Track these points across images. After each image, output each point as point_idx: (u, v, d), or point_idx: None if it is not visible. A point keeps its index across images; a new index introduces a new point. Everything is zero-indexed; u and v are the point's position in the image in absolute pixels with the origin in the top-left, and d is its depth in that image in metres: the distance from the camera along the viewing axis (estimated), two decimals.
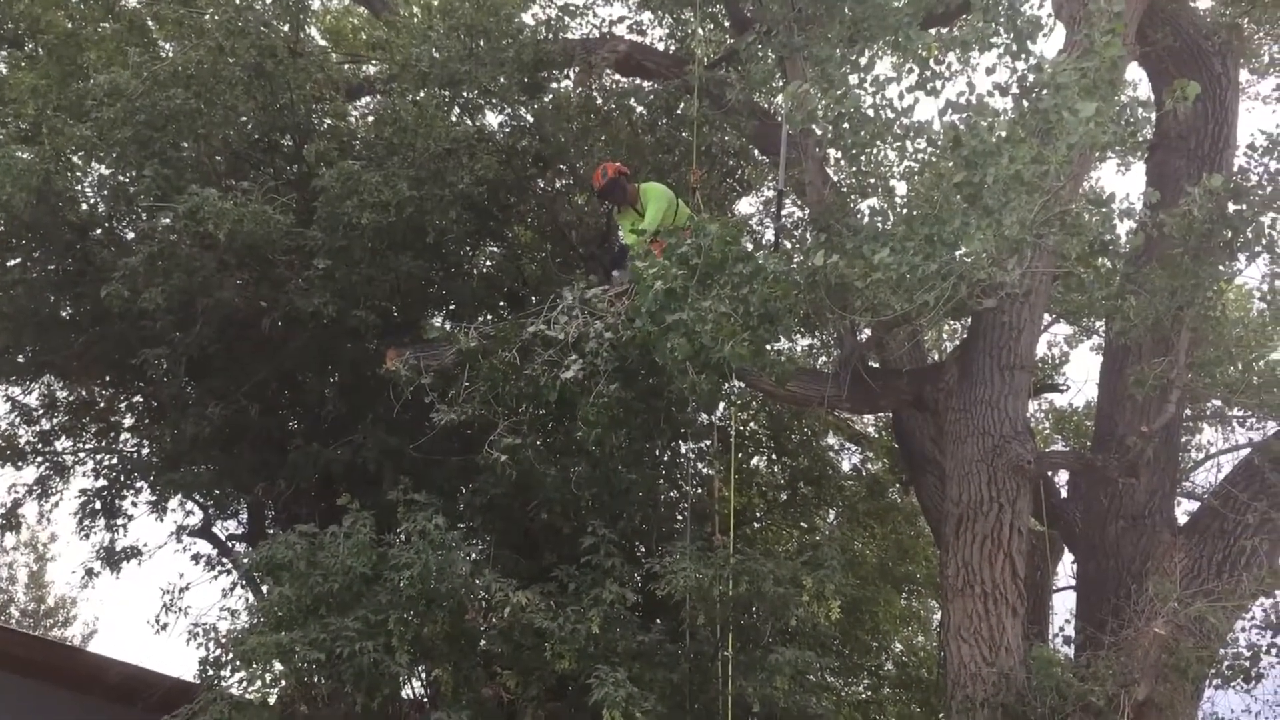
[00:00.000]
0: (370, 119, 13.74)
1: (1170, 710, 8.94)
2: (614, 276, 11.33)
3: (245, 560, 11.36)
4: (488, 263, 13.83)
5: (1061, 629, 11.79)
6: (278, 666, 9.04)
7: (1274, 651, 9.15)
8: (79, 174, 11.89)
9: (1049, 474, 12.03)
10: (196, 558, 13.92)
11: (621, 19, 14.46)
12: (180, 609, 12.70)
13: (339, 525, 9.76)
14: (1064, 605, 12.95)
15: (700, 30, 13.96)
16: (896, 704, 17.24)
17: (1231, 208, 9.01)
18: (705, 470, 13.34)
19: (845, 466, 17.90)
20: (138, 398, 13.87)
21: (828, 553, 10.61)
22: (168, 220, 10.90)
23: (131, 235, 11.96)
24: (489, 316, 12.97)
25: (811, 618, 12.36)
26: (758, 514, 16.55)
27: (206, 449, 12.24)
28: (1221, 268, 9.29)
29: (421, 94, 12.30)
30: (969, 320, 11.45)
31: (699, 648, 10.32)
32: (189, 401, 12.31)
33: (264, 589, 10.11)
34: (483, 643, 10.06)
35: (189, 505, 13.93)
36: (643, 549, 12.70)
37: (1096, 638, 9.39)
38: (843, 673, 16.67)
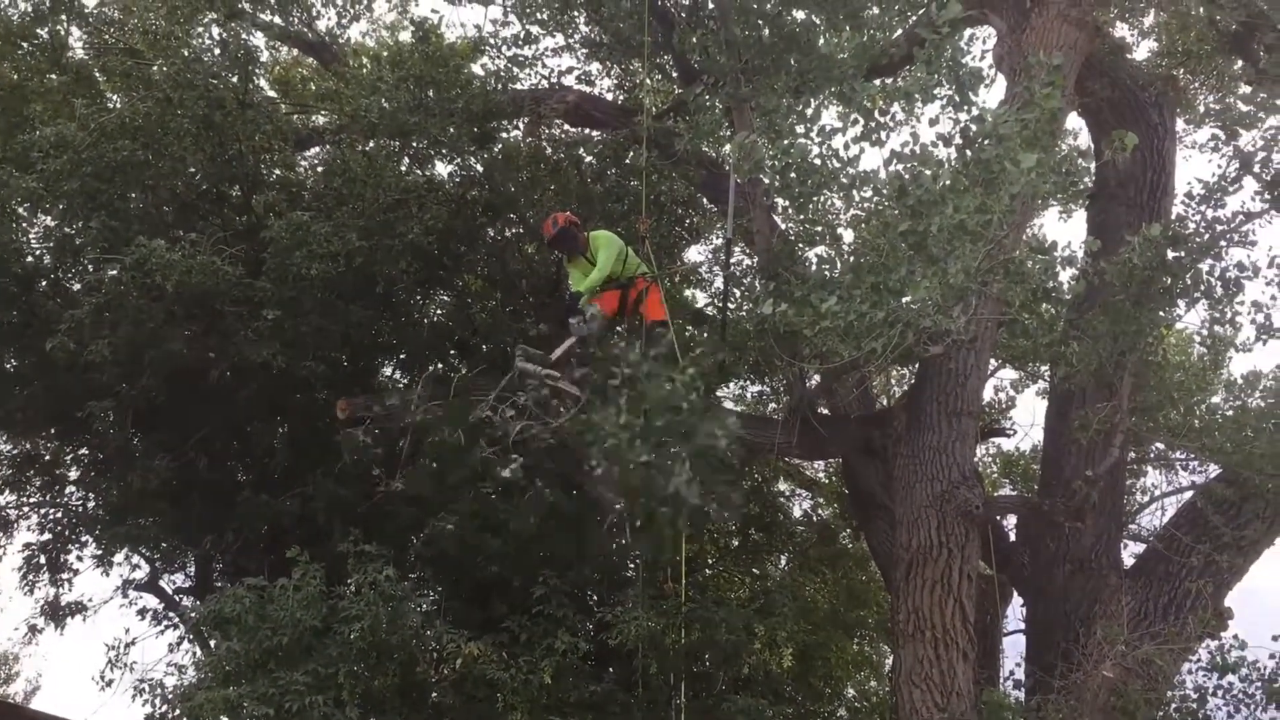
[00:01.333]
0: (319, 169, 13.73)
1: None
2: (571, 324, 11.35)
3: (192, 615, 11.20)
4: (438, 311, 13.83)
5: (1012, 672, 11.85)
6: None
7: (1220, 693, 9.21)
8: (24, 225, 11.80)
9: (997, 518, 12.13)
10: (143, 612, 13.73)
11: (570, 69, 14.57)
12: (126, 664, 12.50)
13: (288, 578, 9.64)
14: (1014, 648, 13.00)
15: (648, 81, 14.08)
16: None
17: (1170, 255, 9.16)
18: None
19: (796, 512, 17.95)
20: (83, 450, 13.68)
21: (779, 599, 10.61)
22: (115, 272, 10.82)
23: (78, 287, 11.85)
24: (440, 366, 12.96)
25: (764, 665, 12.35)
26: (709, 561, 16.52)
27: (154, 501, 12.09)
28: (1162, 314, 9.43)
29: (371, 144, 12.33)
30: (916, 367, 11.57)
31: (652, 696, 10.28)
32: (136, 454, 12.17)
33: (211, 644, 9.95)
34: (434, 695, 9.98)
35: (135, 559, 13.75)
36: (595, 598, 12.68)
37: (1046, 681, 9.44)
38: (795, 719, 16.63)
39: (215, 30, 12.79)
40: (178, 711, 9.28)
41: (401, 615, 9.35)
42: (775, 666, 13.22)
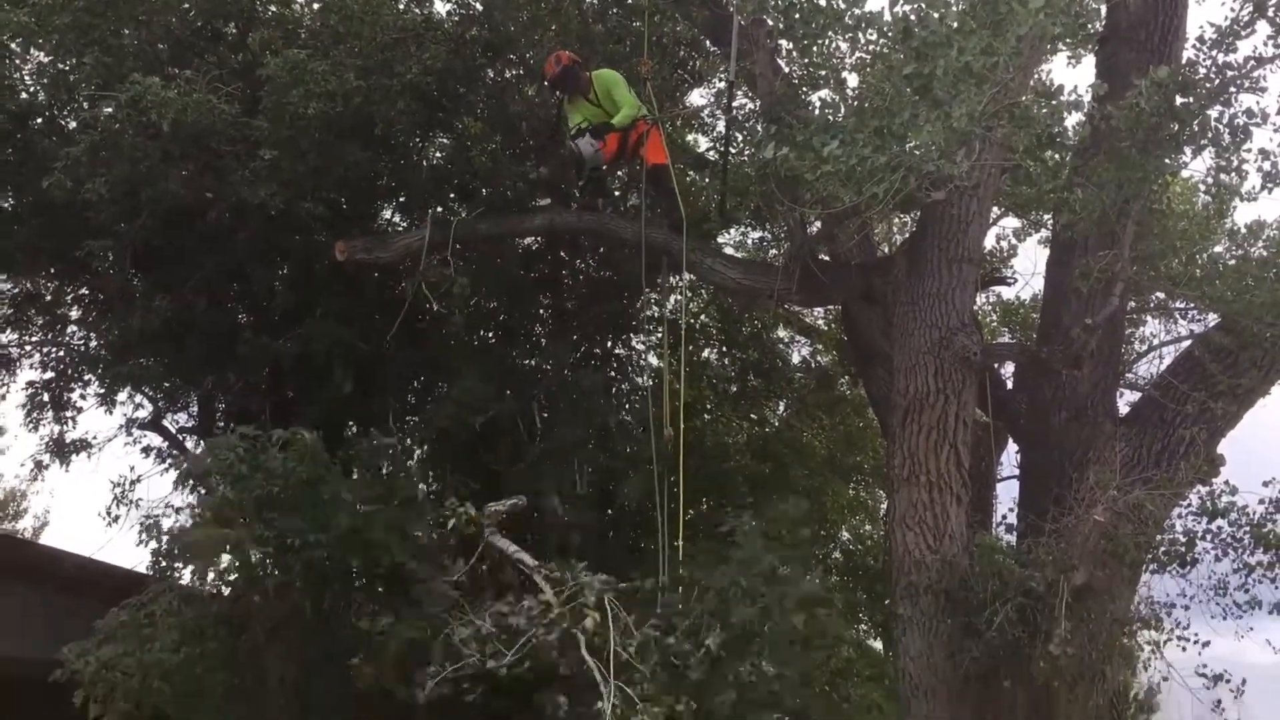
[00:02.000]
0: (316, 6, 13.44)
1: (1108, 594, 9.14)
2: (580, 144, 11.28)
3: (184, 464, 11.23)
4: (437, 155, 13.70)
5: (1005, 517, 11.99)
6: (226, 559, 8.98)
7: (1209, 537, 9.37)
8: (17, 61, 11.60)
9: (995, 366, 12.19)
10: (147, 450, 13.90)
11: None
12: (132, 501, 12.70)
13: (284, 428, 9.33)
14: (1008, 494, 13.18)
15: None
16: (843, 592, 17.56)
17: (1179, 101, 9.01)
18: (656, 363, 13.41)
19: (795, 359, 18.04)
20: (84, 290, 13.71)
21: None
22: (110, 109, 10.66)
23: (73, 125, 11.71)
24: (440, 209, 12.89)
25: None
26: (708, 407, 16.67)
27: (155, 342, 12.12)
28: (1168, 161, 9.32)
29: None
30: (918, 213, 11.49)
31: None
32: (136, 294, 12.17)
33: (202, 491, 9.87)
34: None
35: (138, 398, 13.87)
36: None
37: (1038, 525, 9.57)
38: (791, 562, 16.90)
39: None
40: (177, 549, 9.33)
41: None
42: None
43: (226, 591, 8.99)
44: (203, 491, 9.42)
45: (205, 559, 8.99)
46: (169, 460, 13.84)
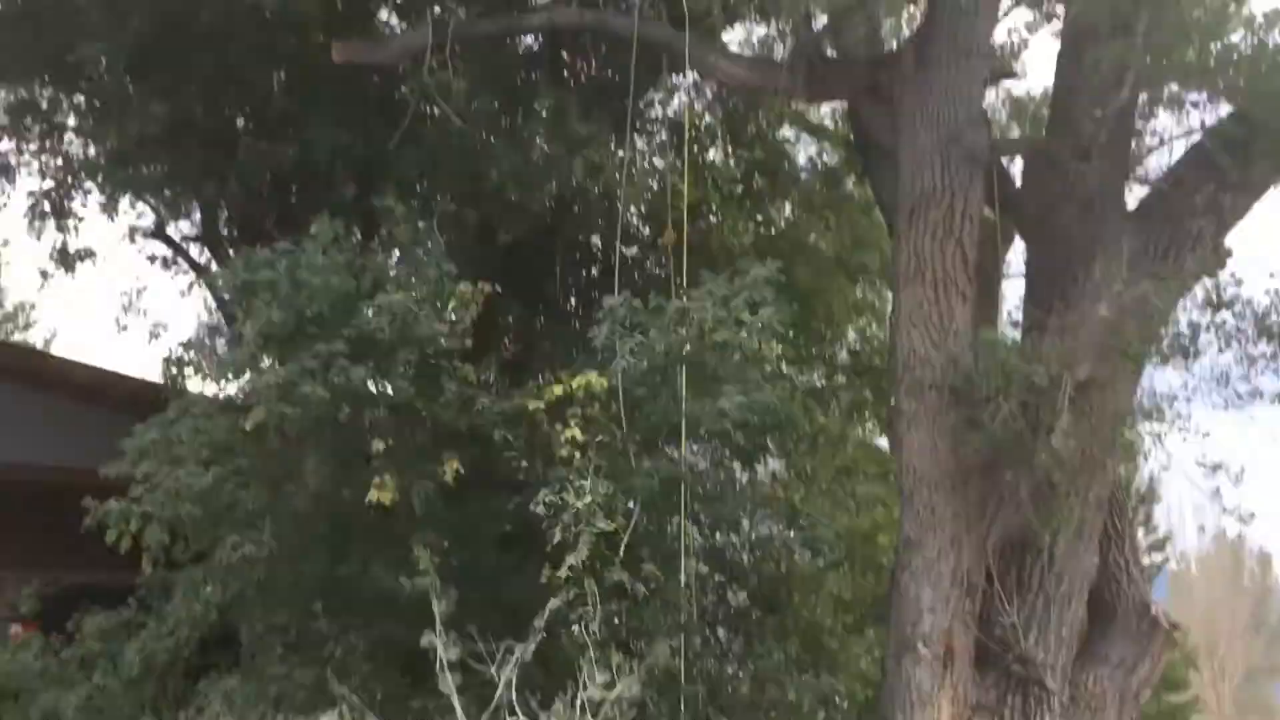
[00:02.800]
0: None
1: (1110, 388, 9.22)
2: None
3: (220, 282, 11.03)
4: None
5: (1011, 315, 12.03)
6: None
7: (1212, 329, 9.40)
8: None
9: (1003, 162, 12.04)
10: (152, 259, 13.90)
11: None
12: (139, 310, 12.76)
13: (310, 237, 9.24)
14: (1015, 292, 13.18)
15: None
16: (849, 390, 17.72)
17: None
18: (660, 165, 13.29)
19: (801, 159, 17.84)
20: (80, 98, 13.51)
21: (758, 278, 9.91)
22: None
23: None
24: (438, 9, 12.62)
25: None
26: (713, 208, 16.56)
27: (154, 148, 12.03)
28: None
29: None
30: (926, 5, 11.22)
31: None
32: (132, 100, 12.00)
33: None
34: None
35: (140, 206, 13.80)
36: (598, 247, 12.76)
37: (1043, 322, 9.59)
38: (797, 362, 17.06)
39: None
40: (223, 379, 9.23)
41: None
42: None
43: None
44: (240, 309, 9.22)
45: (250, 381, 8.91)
46: (174, 268, 13.86)
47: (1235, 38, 11.33)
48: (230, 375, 9.25)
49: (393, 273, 9.38)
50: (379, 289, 9.05)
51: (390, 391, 8.87)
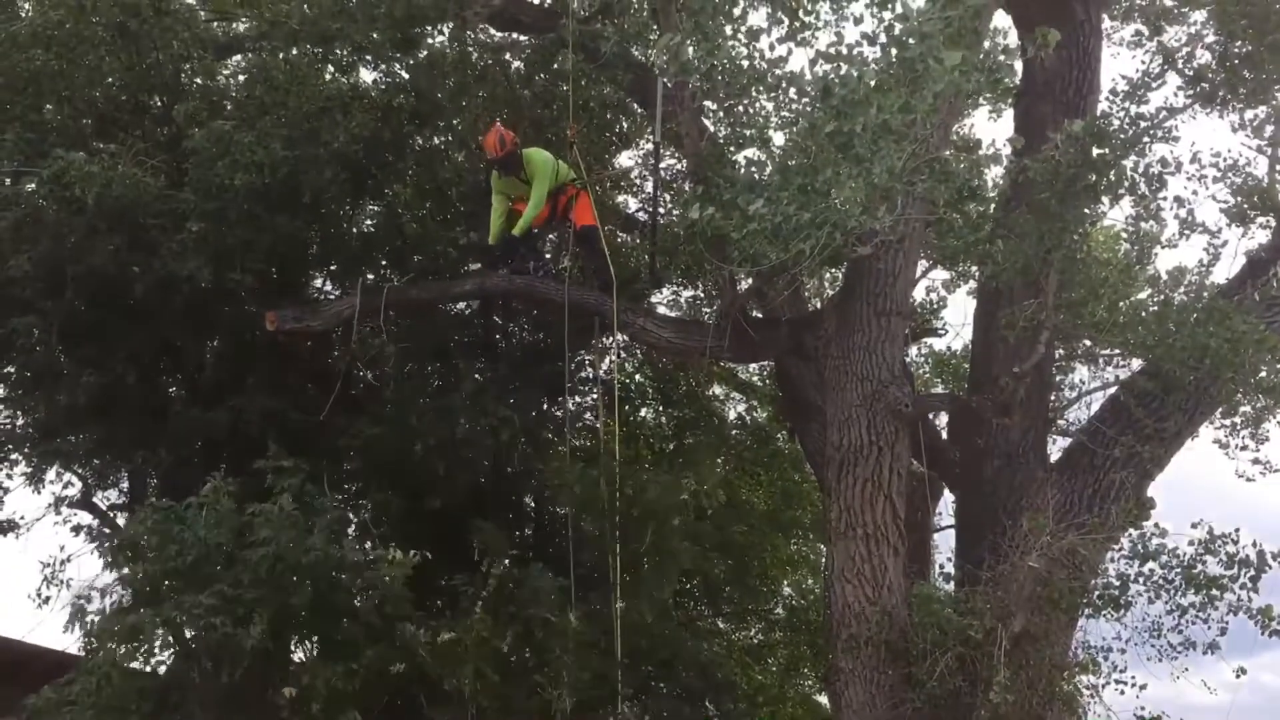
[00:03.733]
0: (242, 78, 13.45)
1: (1045, 640, 9.22)
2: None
3: (107, 543, 11.12)
4: (368, 222, 13.68)
5: (943, 567, 12.09)
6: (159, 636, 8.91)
7: (1142, 580, 9.47)
8: None
9: (929, 416, 12.30)
10: (77, 529, 13.61)
11: None
12: (62, 581, 12.44)
13: (197, 497, 9.53)
14: (946, 544, 13.30)
15: None
16: (787, 647, 17.57)
17: (1095, 152, 9.21)
18: (593, 423, 13.42)
19: (731, 415, 18.12)
20: (9, 369, 13.47)
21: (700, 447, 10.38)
22: (33, 185, 10.62)
23: None
24: (371, 277, 12.88)
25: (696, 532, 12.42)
26: (646, 465, 16.66)
27: (83, 418, 11.95)
28: (1087, 211, 9.51)
29: (293, 51, 12.10)
30: (846, 268, 11.62)
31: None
32: (63, 371, 11.99)
33: (125, 570, 9.78)
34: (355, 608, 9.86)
35: (67, 476, 13.61)
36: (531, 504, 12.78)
37: (975, 574, 9.65)
38: (733, 619, 16.94)
39: None
40: (104, 630, 9.19)
41: (317, 530, 9.30)
42: (708, 510, 12.99)
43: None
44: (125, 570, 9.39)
45: (133, 639, 8.91)
46: (99, 539, 13.59)
47: (1142, 295, 11.86)
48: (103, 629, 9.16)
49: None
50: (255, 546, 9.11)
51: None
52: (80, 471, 13.51)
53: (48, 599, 12.33)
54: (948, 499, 13.05)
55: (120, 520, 13.66)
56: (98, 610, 9.40)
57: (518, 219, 11.41)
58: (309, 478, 9.81)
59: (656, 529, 10.37)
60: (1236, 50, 11.30)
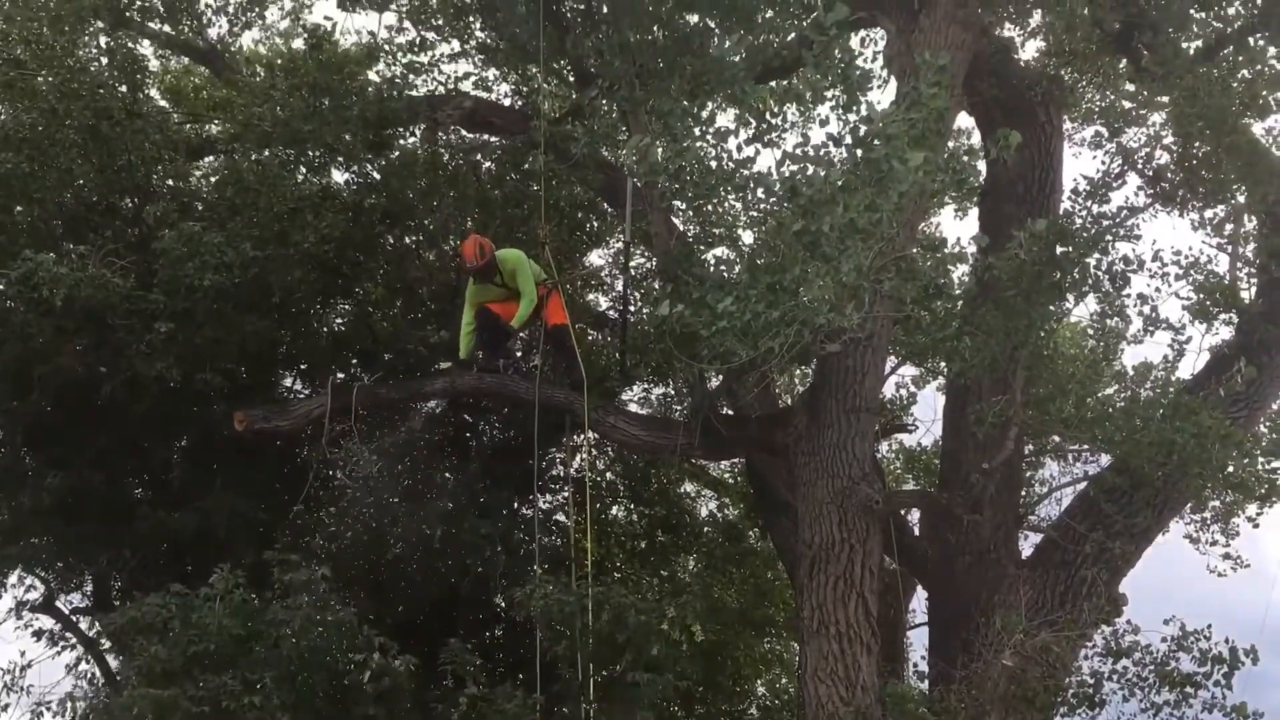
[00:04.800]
0: (213, 179, 13.53)
1: None
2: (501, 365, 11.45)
3: (108, 625, 10.96)
4: (338, 321, 13.68)
5: (916, 665, 12.03)
6: None
7: (1115, 678, 9.43)
8: None
9: (901, 512, 12.29)
10: (39, 634, 13.40)
11: (466, 75, 14.43)
12: (23, 688, 12.23)
13: (208, 586, 9.51)
14: (920, 641, 13.24)
15: (545, 85, 14.05)
16: None
17: (1059, 250, 9.35)
18: (564, 521, 13.36)
19: (703, 513, 18.03)
20: None
21: (687, 582, 10.51)
22: (1, 286, 10.59)
23: None
24: (341, 376, 12.84)
25: (674, 658, 12.35)
26: (617, 563, 16.55)
27: (47, 520, 11.81)
28: (1052, 308, 9.63)
29: (265, 153, 12.18)
30: (816, 365, 11.67)
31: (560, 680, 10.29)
32: (28, 472, 11.88)
33: (123, 655, 9.74)
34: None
35: (30, 579, 13.41)
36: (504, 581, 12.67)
37: (949, 672, 9.60)
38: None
39: (102, 39, 12.56)
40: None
41: (331, 622, 9.28)
42: (684, 649, 12.98)
43: None
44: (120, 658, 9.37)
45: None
46: (61, 643, 13.37)
47: (1109, 390, 11.95)
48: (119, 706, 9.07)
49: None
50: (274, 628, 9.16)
51: None
52: (43, 575, 13.33)
53: (5, 706, 12.14)
54: (920, 595, 13.01)
55: (83, 625, 13.47)
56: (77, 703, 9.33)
57: (493, 325, 11.42)
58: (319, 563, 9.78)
59: (634, 657, 10.26)
60: (1194, 151, 11.55)
